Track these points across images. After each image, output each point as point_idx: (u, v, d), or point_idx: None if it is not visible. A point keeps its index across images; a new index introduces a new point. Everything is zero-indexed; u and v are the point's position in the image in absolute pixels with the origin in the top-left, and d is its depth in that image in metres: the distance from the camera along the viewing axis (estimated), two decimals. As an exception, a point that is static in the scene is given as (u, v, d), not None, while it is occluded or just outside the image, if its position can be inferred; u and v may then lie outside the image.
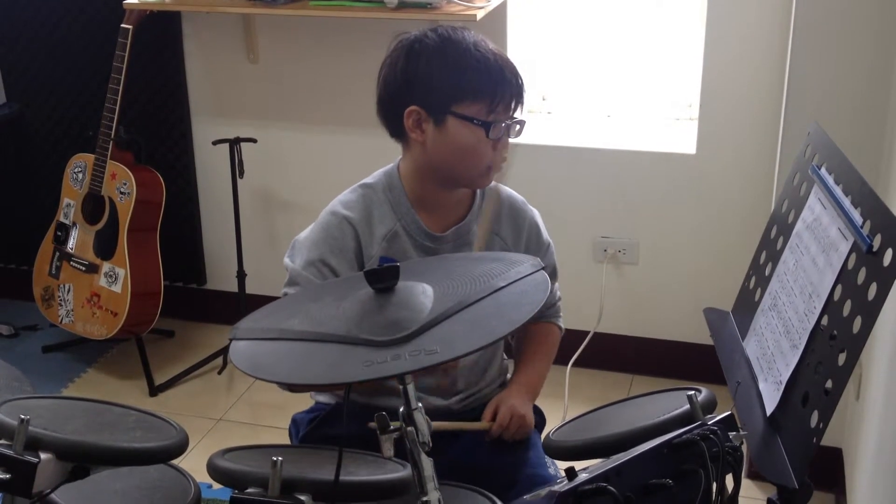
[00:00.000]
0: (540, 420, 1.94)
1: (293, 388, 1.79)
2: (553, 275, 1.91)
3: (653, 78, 3.17)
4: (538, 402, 1.94)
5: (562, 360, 3.06)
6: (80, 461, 1.41)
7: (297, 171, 3.41)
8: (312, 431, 1.88)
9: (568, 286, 3.10)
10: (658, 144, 3.09)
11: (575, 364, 3.10)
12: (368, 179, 1.84)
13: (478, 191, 1.85)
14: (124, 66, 3.10)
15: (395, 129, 1.76)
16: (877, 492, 1.94)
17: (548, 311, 1.98)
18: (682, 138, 3.08)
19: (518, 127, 1.73)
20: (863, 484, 2.16)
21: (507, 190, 1.90)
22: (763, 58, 2.83)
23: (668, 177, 3.05)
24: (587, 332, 3.14)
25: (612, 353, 3.23)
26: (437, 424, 1.68)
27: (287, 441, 1.99)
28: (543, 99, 3.28)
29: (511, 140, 1.75)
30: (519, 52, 3.12)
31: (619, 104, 3.23)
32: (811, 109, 2.38)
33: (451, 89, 1.67)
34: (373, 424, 1.25)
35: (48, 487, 1.38)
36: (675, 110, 3.19)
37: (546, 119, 3.27)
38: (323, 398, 1.92)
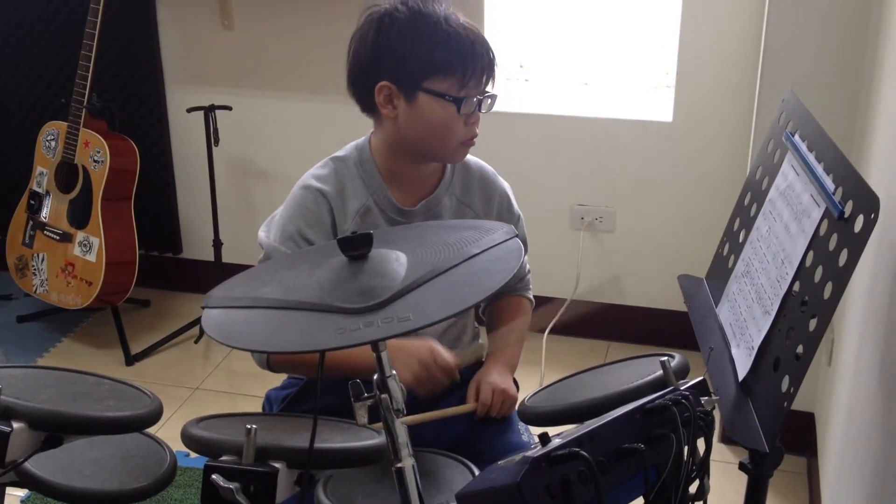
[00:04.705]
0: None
1: (273, 367, 1.79)
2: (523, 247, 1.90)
3: (630, 45, 3.16)
4: (514, 370, 1.94)
5: (538, 327, 3.07)
6: (53, 430, 1.40)
7: (272, 138, 3.38)
8: (287, 409, 1.87)
9: (545, 254, 3.13)
10: (635, 112, 3.09)
11: (552, 332, 3.11)
12: (340, 153, 1.81)
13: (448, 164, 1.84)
14: (97, 33, 3.06)
15: (366, 104, 1.73)
16: (848, 455, 1.97)
17: (518, 283, 1.97)
18: (658, 106, 3.08)
19: (490, 101, 1.71)
20: (834, 447, 2.19)
21: (477, 161, 1.89)
22: (739, 26, 2.83)
23: (645, 145, 3.05)
24: (564, 300, 3.16)
25: (589, 321, 3.24)
26: (422, 416, 1.68)
27: (263, 409, 1.99)
28: (521, 66, 3.27)
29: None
30: (496, 19, 3.11)
31: (596, 72, 3.22)
32: (786, 77, 2.39)
33: (422, 65, 1.64)
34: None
35: (21, 456, 1.37)
36: (652, 78, 3.18)
37: (523, 86, 3.26)
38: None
